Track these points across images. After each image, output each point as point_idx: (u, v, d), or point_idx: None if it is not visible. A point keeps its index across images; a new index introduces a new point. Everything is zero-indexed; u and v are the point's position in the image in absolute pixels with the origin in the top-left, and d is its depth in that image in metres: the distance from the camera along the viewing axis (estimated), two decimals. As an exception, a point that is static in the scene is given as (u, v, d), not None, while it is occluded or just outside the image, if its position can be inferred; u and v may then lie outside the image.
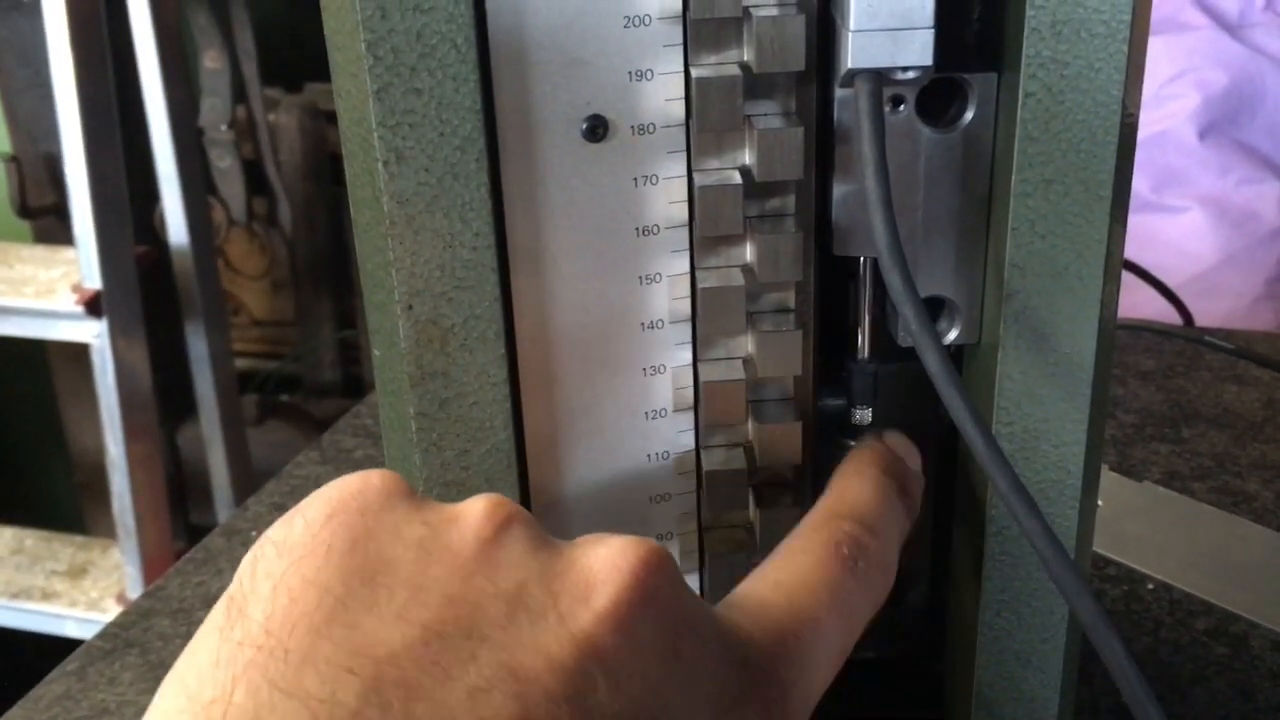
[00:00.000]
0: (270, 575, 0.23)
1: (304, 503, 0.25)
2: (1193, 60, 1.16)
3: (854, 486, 0.32)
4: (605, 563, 0.25)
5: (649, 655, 0.24)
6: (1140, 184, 1.14)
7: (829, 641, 0.29)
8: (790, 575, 0.29)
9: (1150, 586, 0.57)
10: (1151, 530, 0.61)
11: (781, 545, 0.31)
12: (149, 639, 0.57)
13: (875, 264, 0.33)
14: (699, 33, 0.31)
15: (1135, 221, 1.10)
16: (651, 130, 0.31)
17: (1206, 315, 0.92)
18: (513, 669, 0.22)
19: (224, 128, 1.55)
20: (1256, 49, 1.16)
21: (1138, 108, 0.31)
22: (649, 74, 0.31)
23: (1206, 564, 0.59)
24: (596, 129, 0.31)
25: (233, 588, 0.24)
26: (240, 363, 1.71)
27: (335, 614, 0.22)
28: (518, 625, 0.23)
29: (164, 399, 1.42)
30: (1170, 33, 1.18)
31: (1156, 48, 1.15)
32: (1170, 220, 1.14)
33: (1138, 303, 0.84)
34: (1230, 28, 1.18)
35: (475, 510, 0.25)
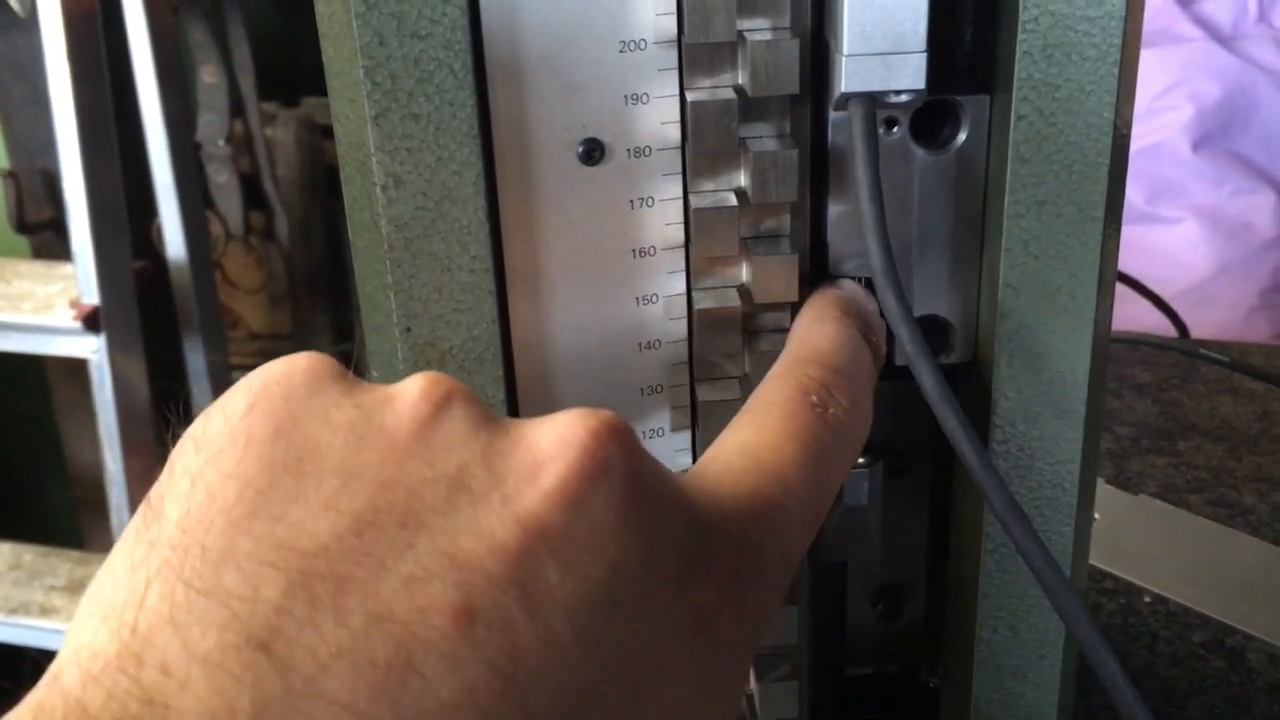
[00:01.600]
0: (188, 471, 0.22)
1: (226, 393, 0.23)
2: (1186, 72, 1.16)
3: (816, 330, 0.31)
4: (553, 438, 0.23)
5: (602, 532, 0.22)
6: (1134, 195, 1.15)
7: (803, 498, 0.26)
8: (756, 433, 0.27)
9: (1147, 599, 0.58)
10: (1148, 543, 0.62)
11: (748, 402, 0.29)
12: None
13: (871, 283, 0.34)
14: (694, 57, 0.31)
15: (1129, 233, 1.11)
16: (647, 153, 0.32)
17: (1201, 326, 0.93)
18: (452, 555, 0.20)
19: (221, 142, 1.55)
20: (1249, 60, 1.17)
21: (1129, 127, 0.31)
22: (644, 97, 0.31)
23: (1203, 577, 0.59)
24: (592, 152, 0.31)
25: (152, 489, 0.22)
26: (237, 376, 1.71)
27: (257, 507, 0.21)
28: (458, 509, 0.21)
29: (161, 413, 1.42)
30: (1164, 45, 1.19)
31: (1150, 60, 1.15)
32: (1165, 231, 1.14)
33: (1133, 315, 0.85)
34: (1223, 39, 1.19)
35: (411, 389, 0.23)
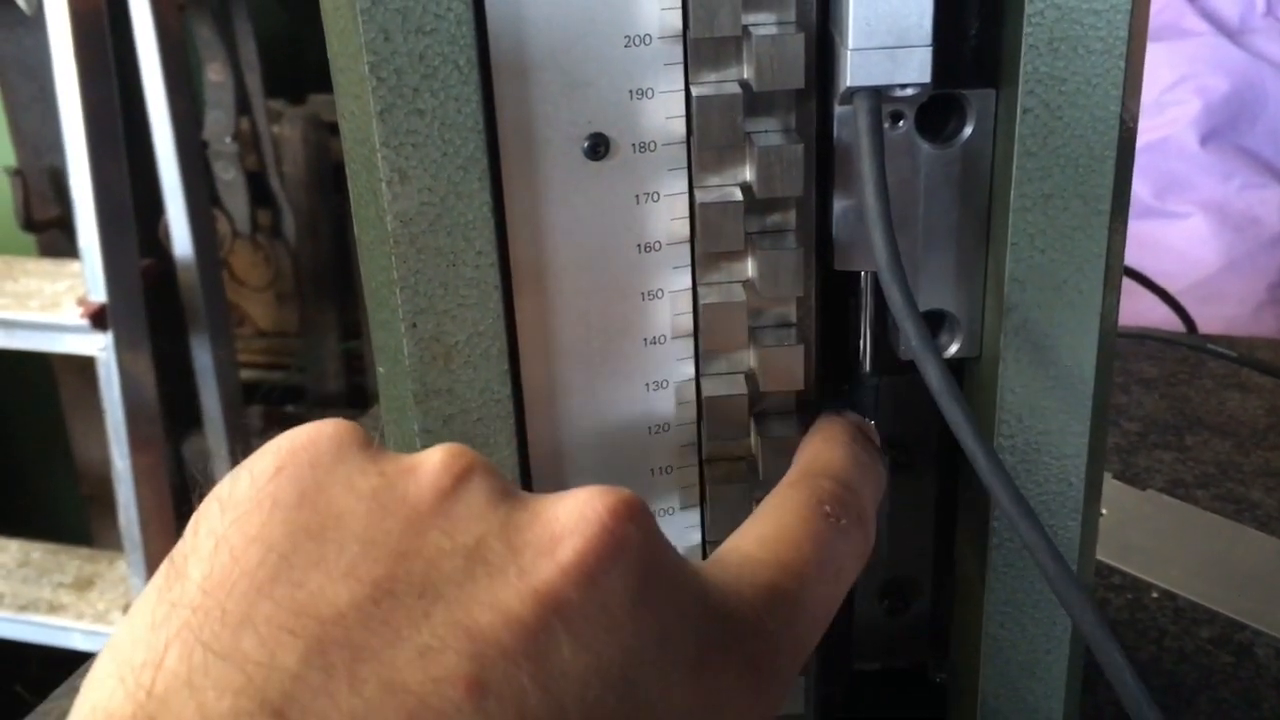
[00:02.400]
0: (212, 533, 0.22)
1: (253, 456, 0.24)
2: (1194, 66, 1.16)
3: (826, 450, 0.32)
4: (572, 513, 0.23)
5: (618, 609, 0.22)
6: (1142, 190, 1.14)
7: (816, 596, 0.27)
8: (773, 530, 0.28)
9: (1154, 595, 0.58)
10: (1155, 538, 0.61)
11: (760, 505, 0.30)
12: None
13: (876, 278, 0.34)
14: (699, 51, 0.31)
15: (1137, 227, 1.10)
16: (652, 148, 0.32)
17: (1209, 321, 0.93)
18: (467, 627, 0.21)
19: (228, 140, 1.55)
20: (1257, 54, 1.16)
21: (1136, 121, 0.31)
22: (650, 92, 0.31)
23: (1211, 572, 0.59)
24: (598, 147, 0.31)
25: (176, 547, 0.22)
26: (245, 374, 1.72)
27: (279, 572, 0.21)
28: (475, 581, 0.21)
29: (169, 411, 1.42)
30: (1171, 39, 1.18)
31: (1157, 54, 1.15)
32: (1172, 226, 1.14)
33: (1140, 309, 0.85)
34: (1231, 33, 1.18)
35: (433, 460, 0.24)
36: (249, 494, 0.22)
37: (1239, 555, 0.60)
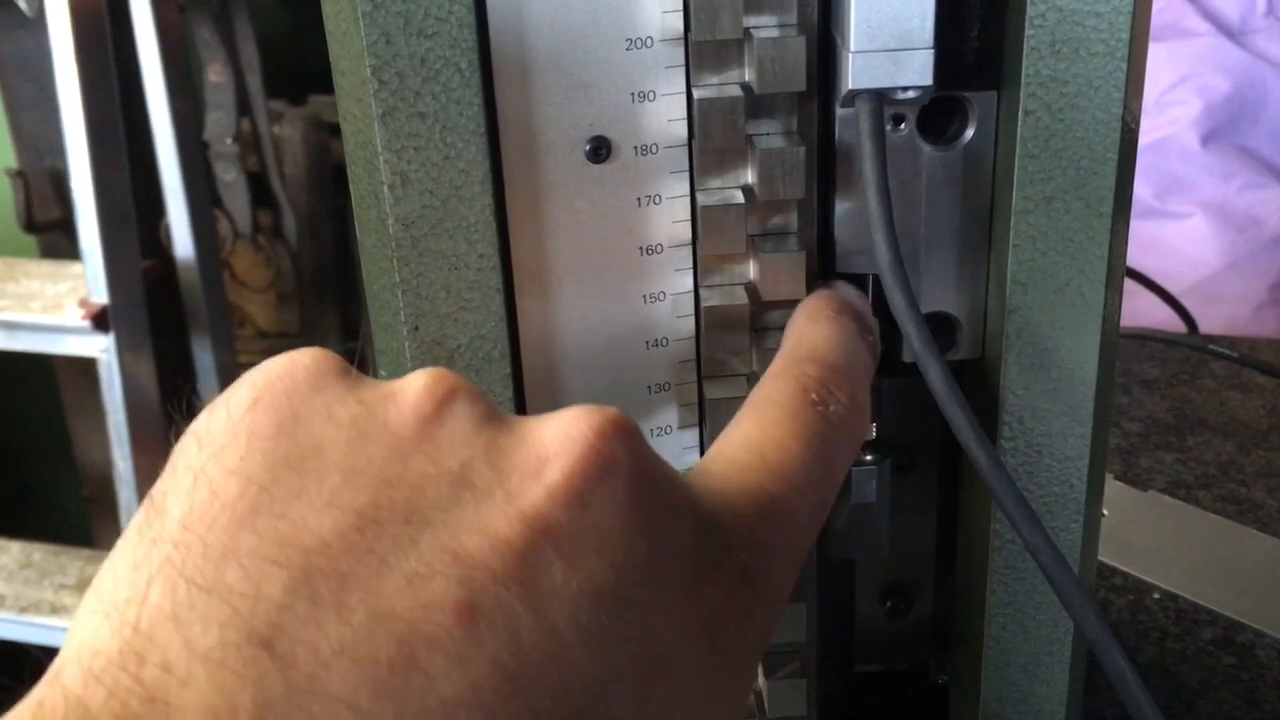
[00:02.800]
0: (190, 468, 0.21)
1: (229, 389, 0.23)
2: (1195, 66, 1.16)
3: (811, 330, 0.30)
4: (558, 434, 0.22)
5: (608, 530, 0.22)
6: (1143, 190, 1.14)
7: (808, 494, 0.26)
8: (758, 430, 0.27)
9: (1156, 596, 0.58)
10: (1157, 539, 0.61)
11: (747, 401, 0.28)
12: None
13: (878, 280, 0.34)
14: (701, 54, 0.31)
15: (1138, 228, 1.10)
16: (654, 151, 0.32)
17: (1210, 321, 0.93)
18: (455, 552, 0.20)
19: (229, 141, 1.55)
20: (1258, 54, 1.16)
21: (1138, 123, 0.31)
22: (651, 95, 0.31)
23: (1212, 573, 0.59)
24: (599, 150, 0.31)
25: (155, 485, 0.22)
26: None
27: (259, 503, 0.21)
28: (461, 506, 0.21)
29: (169, 411, 1.42)
30: (1172, 39, 1.18)
31: (1158, 54, 1.15)
32: (1173, 226, 1.14)
33: (1142, 309, 0.85)
34: (1232, 34, 1.18)
35: (415, 385, 0.23)
36: (225, 427, 0.22)
37: (1241, 556, 0.60)
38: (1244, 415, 0.73)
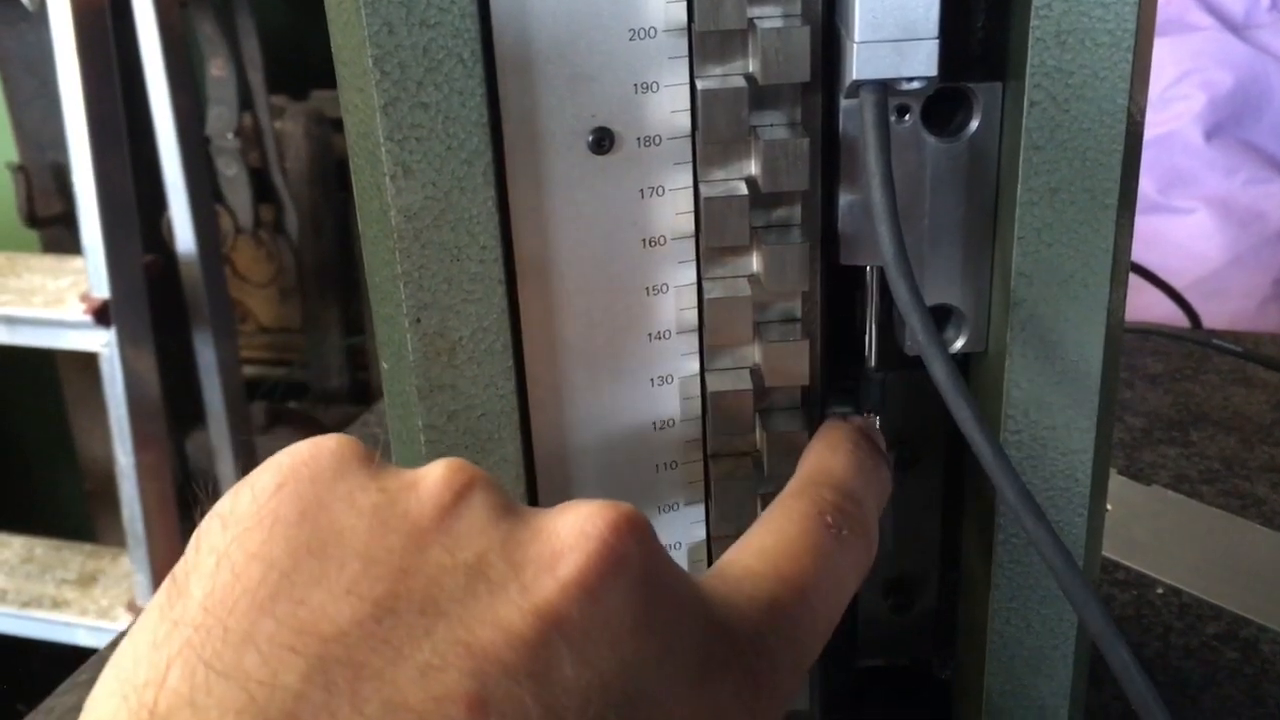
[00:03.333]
0: (214, 550, 0.22)
1: (254, 472, 0.24)
2: (1198, 61, 1.16)
3: (829, 457, 0.32)
4: (573, 529, 0.23)
5: (619, 626, 0.22)
6: (1146, 185, 1.14)
7: (817, 610, 0.27)
8: (774, 543, 0.28)
9: (1159, 591, 0.57)
10: (1160, 534, 0.61)
11: (762, 516, 0.30)
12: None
13: (882, 272, 0.33)
14: (704, 44, 0.31)
15: (1141, 222, 1.10)
16: (657, 142, 0.31)
17: (1214, 316, 0.92)
18: (469, 644, 0.21)
19: (230, 136, 1.55)
20: (1262, 49, 1.16)
21: (1143, 114, 0.31)
22: (654, 86, 0.31)
23: (1216, 568, 0.58)
24: (602, 141, 0.31)
25: (178, 565, 0.22)
26: (248, 370, 1.72)
27: (280, 589, 0.21)
28: (476, 598, 0.22)
29: (172, 407, 1.42)
30: (1176, 34, 1.18)
31: (1162, 49, 1.15)
32: (1177, 221, 1.13)
33: (1145, 304, 0.84)
34: (1236, 28, 1.18)
35: (434, 476, 0.24)
36: (250, 510, 0.23)
37: (1244, 551, 0.60)
38: (1248, 410, 0.73)
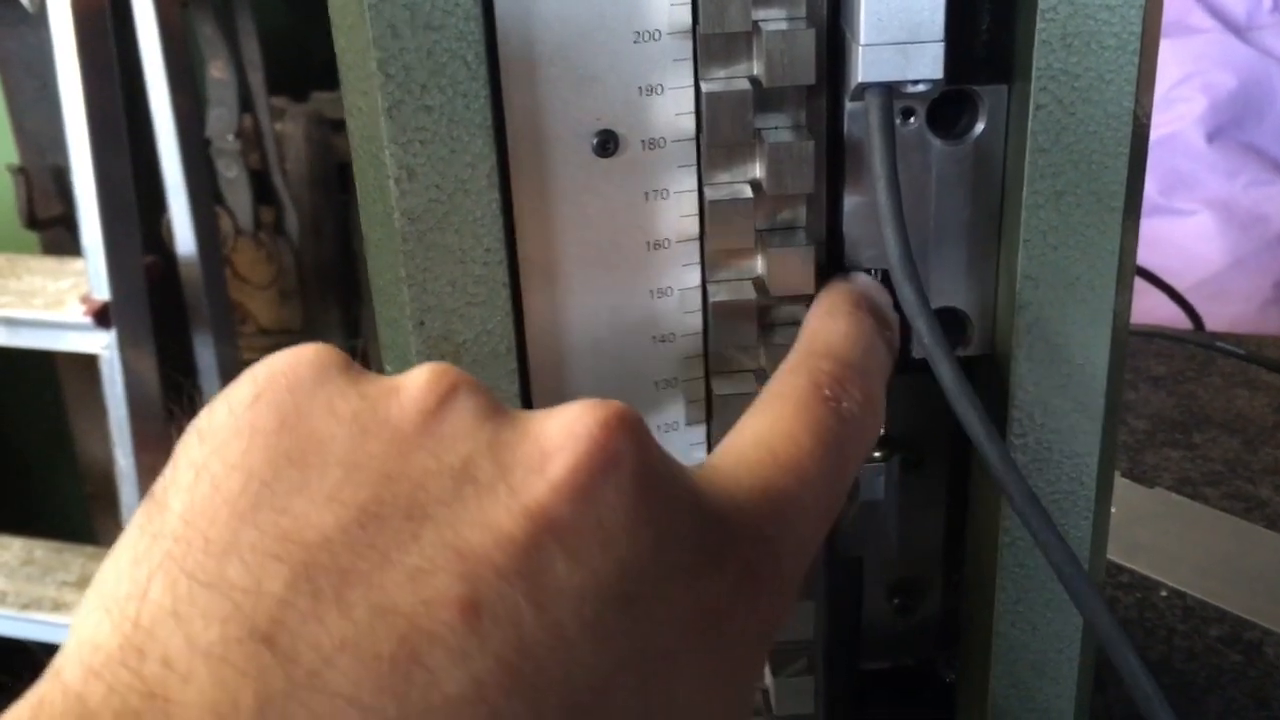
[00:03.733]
0: (192, 464, 0.21)
1: (231, 385, 0.23)
2: (1200, 63, 1.16)
3: (828, 324, 0.30)
4: (561, 429, 0.22)
5: (612, 524, 0.21)
6: (1148, 187, 1.14)
7: (818, 490, 0.26)
8: (770, 425, 0.27)
9: (1163, 594, 0.57)
10: (1164, 537, 0.61)
11: (760, 395, 0.28)
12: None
13: (887, 275, 0.33)
14: (709, 47, 0.31)
15: (1143, 225, 1.10)
16: (662, 144, 0.31)
17: (1215, 318, 0.92)
18: (458, 547, 0.20)
19: (230, 138, 1.55)
20: (1264, 51, 1.16)
21: (1149, 117, 0.31)
22: (659, 89, 0.31)
23: (1219, 570, 0.58)
24: (607, 144, 0.31)
25: (156, 482, 0.22)
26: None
27: (261, 499, 0.21)
28: (464, 501, 0.21)
29: (172, 409, 1.42)
30: (1177, 36, 1.18)
31: (1164, 51, 1.14)
32: (1179, 223, 1.13)
33: (1147, 307, 0.84)
34: (1238, 30, 1.18)
35: (417, 380, 0.23)
36: (227, 422, 0.22)
37: (1248, 553, 0.60)
38: (1251, 412, 0.73)
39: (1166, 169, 1.14)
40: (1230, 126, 1.15)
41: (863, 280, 0.32)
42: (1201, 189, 1.13)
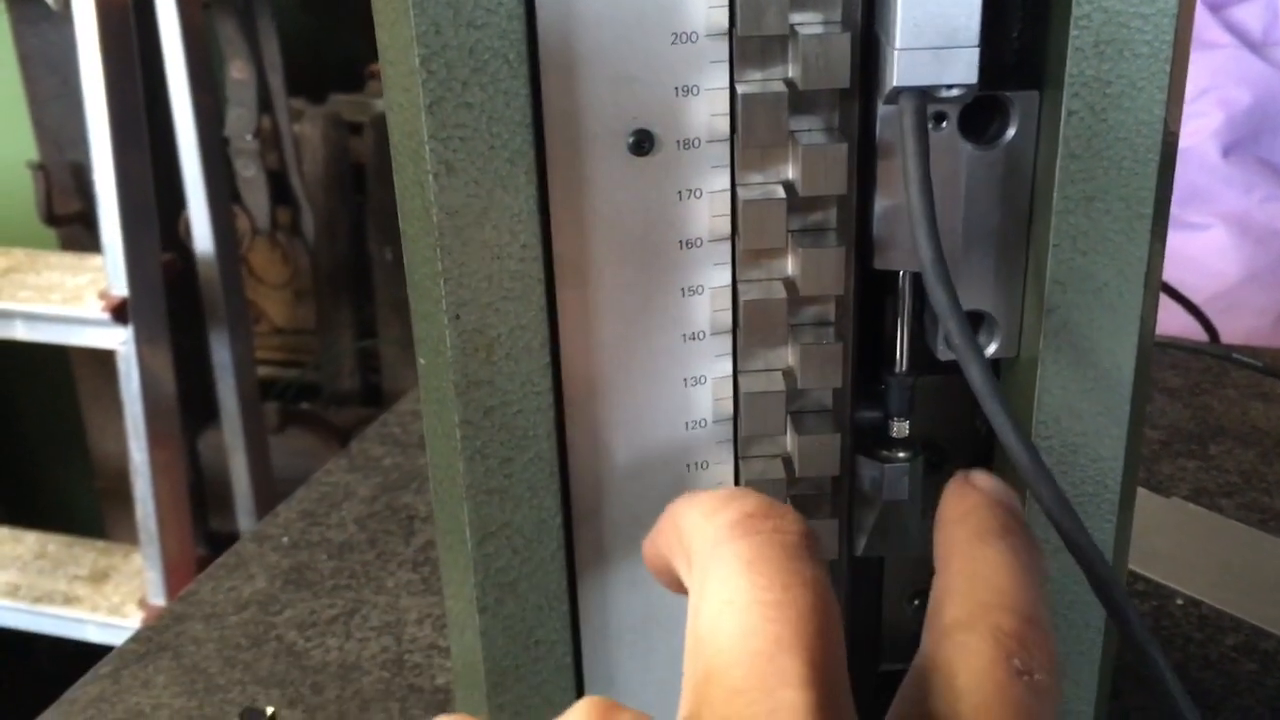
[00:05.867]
0: None
1: None
2: (1216, 78, 1.16)
3: (984, 559, 0.24)
4: None
5: None
6: (1163, 200, 1.14)
7: None
8: (967, 711, 0.22)
9: (1179, 602, 0.58)
10: (1180, 546, 0.61)
11: (926, 663, 0.23)
12: (182, 643, 0.57)
13: (915, 277, 0.34)
14: (745, 50, 0.31)
15: (1158, 238, 1.10)
16: (697, 145, 0.32)
17: (1230, 332, 0.92)
18: None
19: (249, 137, 1.56)
20: (1280, 67, 1.16)
21: (1179, 125, 0.31)
22: (695, 89, 0.31)
23: (1235, 580, 0.59)
24: (642, 143, 0.31)
25: None
26: (261, 371, 1.72)
27: None
28: None
29: (186, 405, 1.43)
30: (1194, 50, 1.18)
31: (1180, 65, 1.15)
32: (1194, 237, 1.14)
33: (1162, 318, 0.84)
34: (1254, 45, 1.18)
35: None
36: None
37: (1263, 563, 0.60)
38: (1266, 424, 0.73)
39: (1182, 183, 1.14)
40: (1246, 141, 1.15)
41: (983, 481, 0.27)
42: (1217, 203, 1.13)
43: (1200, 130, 1.15)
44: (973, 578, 0.24)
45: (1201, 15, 1.20)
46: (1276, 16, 1.20)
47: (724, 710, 0.20)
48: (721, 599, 0.21)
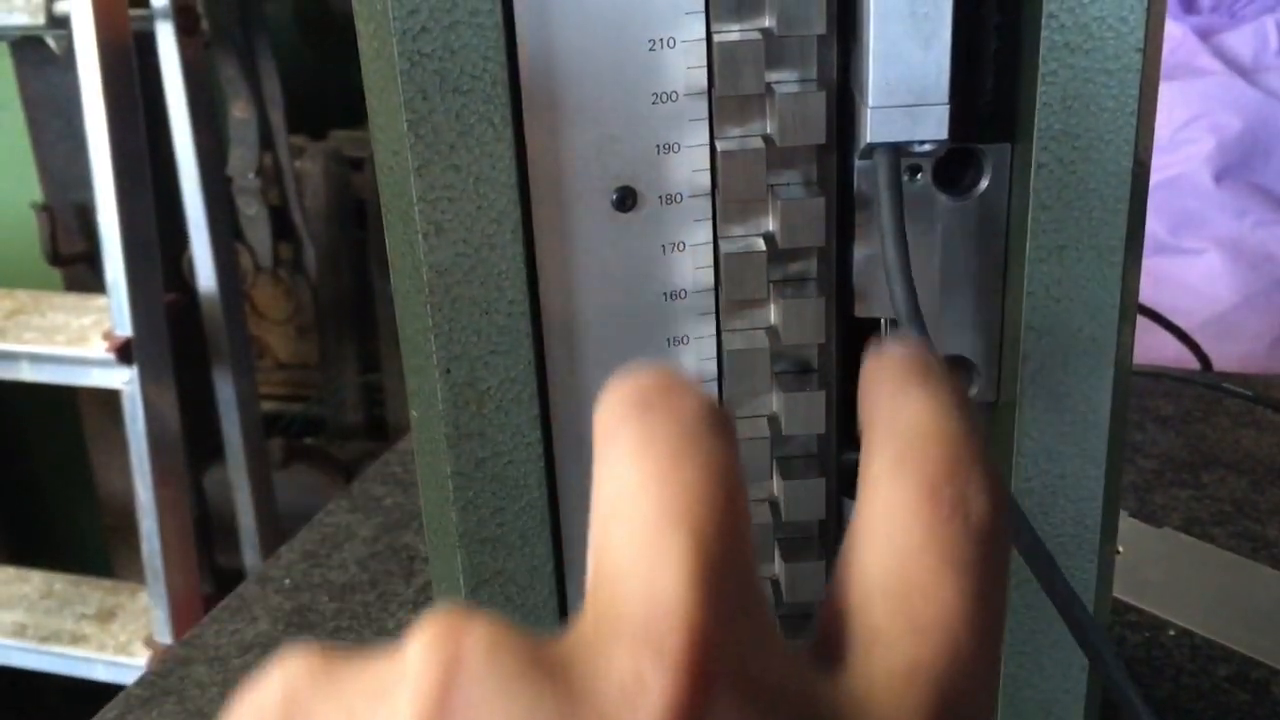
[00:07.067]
0: None
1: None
2: (1207, 105, 1.17)
3: (908, 407, 0.21)
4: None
5: None
6: (1156, 227, 1.15)
7: (980, 669, 0.19)
8: (899, 573, 0.19)
9: (1171, 633, 0.58)
10: (1172, 576, 0.62)
11: (858, 515, 0.20)
12: (186, 687, 0.58)
13: (896, 324, 0.34)
14: (724, 108, 0.32)
15: (1151, 264, 1.11)
16: (679, 200, 0.33)
17: (1224, 357, 0.93)
18: None
19: (251, 175, 1.57)
20: (1270, 92, 1.17)
21: (1149, 154, 0.32)
22: (676, 147, 0.32)
23: (1227, 610, 0.59)
24: (626, 199, 0.32)
25: None
26: (265, 406, 1.73)
27: None
28: None
29: (190, 442, 1.43)
30: (1184, 78, 1.19)
31: (1171, 92, 1.16)
32: (1187, 263, 1.14)
33: (1155, 345, 0.85)
34: (1244, 72, 1.19)
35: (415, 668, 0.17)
36: None
37: (1256, 593, 0.61)
38: (1258, 453, 0.74)
39: (1175, 209, 1.15)
40: (1238, 167, 1.16)
41: (911, 345, 0.23)
42: (1209, 228, 1.14)
43: (1192, 156, 1.16)
44: (894, 425, 0.21)
45: (1191, 42, 1.22)
46: (1266, 42, 1.21)
47: (608, 595, 0.18)
48: (611, 486, 0.20)
